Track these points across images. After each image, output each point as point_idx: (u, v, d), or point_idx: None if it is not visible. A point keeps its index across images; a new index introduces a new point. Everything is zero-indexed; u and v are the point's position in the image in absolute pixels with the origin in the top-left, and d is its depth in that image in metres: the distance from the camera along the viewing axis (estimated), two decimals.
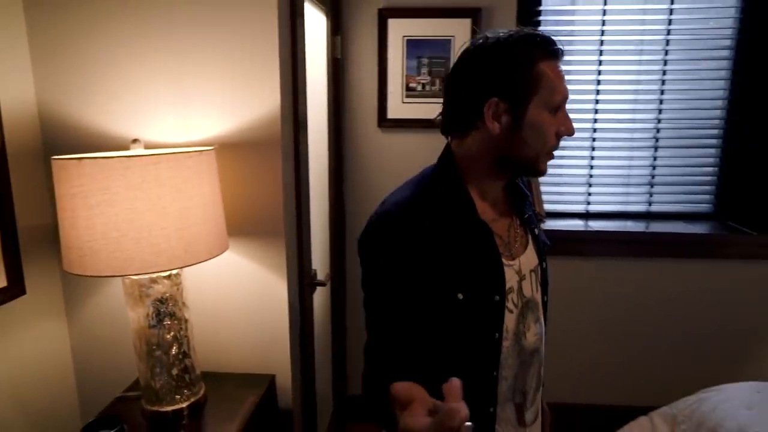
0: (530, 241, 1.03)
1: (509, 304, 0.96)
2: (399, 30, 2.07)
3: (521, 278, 0.99)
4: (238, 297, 1.42)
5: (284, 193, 1.40)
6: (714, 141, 2.37)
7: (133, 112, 1.33)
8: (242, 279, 1.41)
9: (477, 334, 0.94)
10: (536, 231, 1.05)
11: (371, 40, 2.09)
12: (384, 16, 2.06)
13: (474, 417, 0.82)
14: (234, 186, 1.37)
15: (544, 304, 1.07)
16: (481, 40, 0.91)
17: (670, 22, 2.27)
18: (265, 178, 1.37)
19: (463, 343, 0.93)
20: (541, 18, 2.24)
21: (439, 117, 1.02)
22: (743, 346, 2.28)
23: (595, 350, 2.32)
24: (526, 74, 0.87)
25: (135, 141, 1.25)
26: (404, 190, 0.99)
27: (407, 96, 2.11)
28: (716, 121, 2.35)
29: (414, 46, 2.08)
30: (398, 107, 2.12)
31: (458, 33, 2.05)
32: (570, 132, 0.93)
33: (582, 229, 2.27)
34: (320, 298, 2.04)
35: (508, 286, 0.96)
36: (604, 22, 2.28)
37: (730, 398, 1.62)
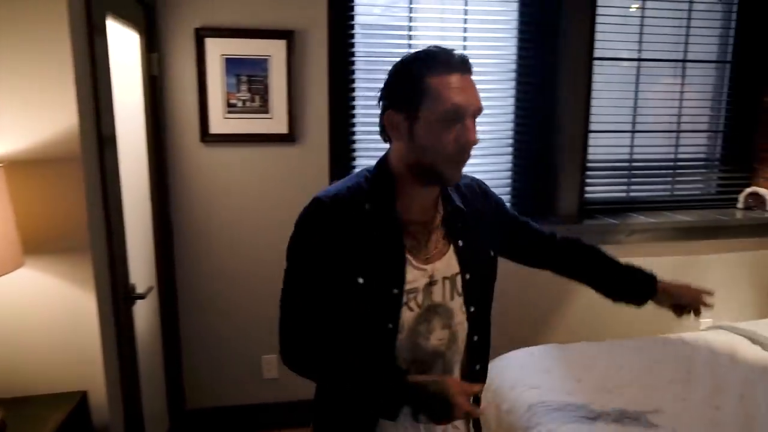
0: (451, 251, 1.08)
1: (411, 303, 1.04)
2: (217, 49, 2.15)
3: (431, 282, 1.06)
4: (41, 315, 1.40)
5: (89, 208, 1.41)
6: (509, 149, 2.78)
7: None
8: (45, 296, 1.39)
9: (373, 321, 1.03)
10: (460, 243, 1.09)
11: (189, 58, 2.15)
12: (201, 35, 2.12)
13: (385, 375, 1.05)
14: (32, 203, 1.35)
15: (470, 314, 1.10)
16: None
17: (464, 48, 2.63)
18: (66, 195, 1.38)
19: (361, 326, 1.04)
20: (354, 40, 2.47)
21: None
22: (535, 317, 2.70)
23: None
24: (413, 88, 0.97)
25: None
26: (343, 182, 1.08)
27: (228, 112, 2.20)
28: (509, 133, 2.77)
29: (233, 64, 2.17)
30: (220, 123, 2.20)
31: (274, 53, 2.19)
32: (468, 141, 0.98)
33: None
34: (148, 311, 2.03)
35: (411, 285, 1.04)
36: (410, 46, 2.57)
37: (510, 363, 1.94)
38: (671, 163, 3.03)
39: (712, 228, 2.85)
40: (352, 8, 2.44)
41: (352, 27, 2.46)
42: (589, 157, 2.85)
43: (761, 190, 2.96)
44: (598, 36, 2.73)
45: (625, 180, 2.97)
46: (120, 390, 1.60)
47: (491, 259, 1.15)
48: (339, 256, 1.01)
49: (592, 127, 2.82)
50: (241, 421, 2.50)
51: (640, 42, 2.84)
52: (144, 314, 1.98)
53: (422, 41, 2.64)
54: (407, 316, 1.04)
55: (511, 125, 2.75)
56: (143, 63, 2.01)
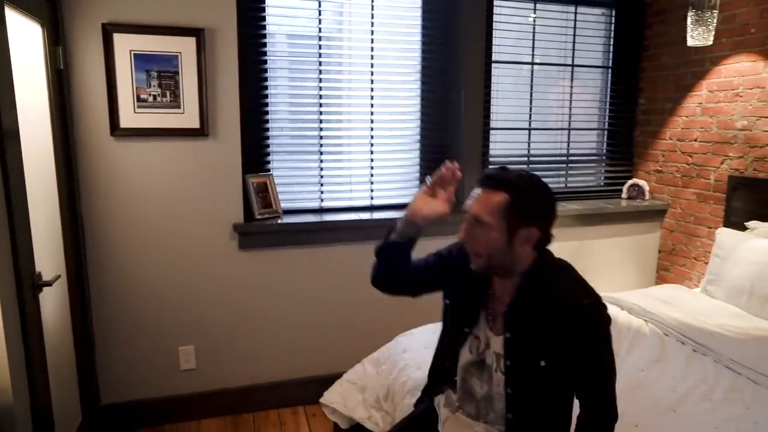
0: (502, 337, 1.29)
1: (471, 346, 1.37)
2: (125, 44, 2.18)
3: (488, 345, 1.33)
4: None
5: None
6: (417, 145, 2.96)
7: None
8: None
9: (448, 333, 1.46)
10: (508, 335, 1.28)
11: (97, 53, 2.16)
12: (108, 30, 2.15)
13: (441, 368, 1.49)
14: None
15: (507, 394, 1.28)
16: None
17: (372, 50, 2.80)
18: None
19: (446, 324, 1.48)
20: (266, 40, 2.57)
21: None
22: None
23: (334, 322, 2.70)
24: None
25: None
26: None
27: (139, 107, 2.23)
28: (417, 130, 2.95)
29: (142, 60, 2.21)
30: (131, 117, 2.23)
31: (184, 50, 2.25)
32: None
33: (317, 219, 2.66)
34: (57, 303, 2.03)
35: (476, 333, 1.36)
36: (320, 47, 2.71)
37: (415, 340, 2.10)
38: (564, 158, 3.34)
39: (601, 215, 3.17)
40: (263, 9, 2.54)
41: (263, 27, 2.56)
42: (491, 152, 3.10)
43: (640, 182, 3.32)
44: (495, 41, 2.99)
45: None
46: (26, 379, 1.61)
47: (541, 368, 1.23)
48: (449, 274, 1.42)
49: (493, 124, 3.07)
50: (159, 414, 2.52)
51: (533, 47, 3.13)
52: (52, 306, 1.98)
53: (333, 42, 2.79)
54: (464, 352, 1.39)
55: (417, 123, 2.95)
56: (48, 56, 2.02)
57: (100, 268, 2.33)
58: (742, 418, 1.51)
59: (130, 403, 2.47)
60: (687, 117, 3.04)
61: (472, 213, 1.25)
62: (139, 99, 2.24)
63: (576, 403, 1.30)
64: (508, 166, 1.29)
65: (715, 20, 2.49)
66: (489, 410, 1.34)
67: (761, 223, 2.52)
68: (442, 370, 1.48)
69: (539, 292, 1.25)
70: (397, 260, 1.41)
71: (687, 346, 1.95)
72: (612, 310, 2.28)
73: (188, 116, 2.30)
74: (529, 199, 1.22)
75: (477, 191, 1.26)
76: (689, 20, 2.53)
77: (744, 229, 2.59)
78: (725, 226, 2.72)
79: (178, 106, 2.28)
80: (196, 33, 2.25)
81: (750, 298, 2.23)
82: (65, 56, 2.12)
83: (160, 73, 2.24)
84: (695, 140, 3.00)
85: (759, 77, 2.63)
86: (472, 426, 1.38)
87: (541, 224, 1.24)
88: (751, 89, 2.67)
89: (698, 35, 2.53)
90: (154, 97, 2.25)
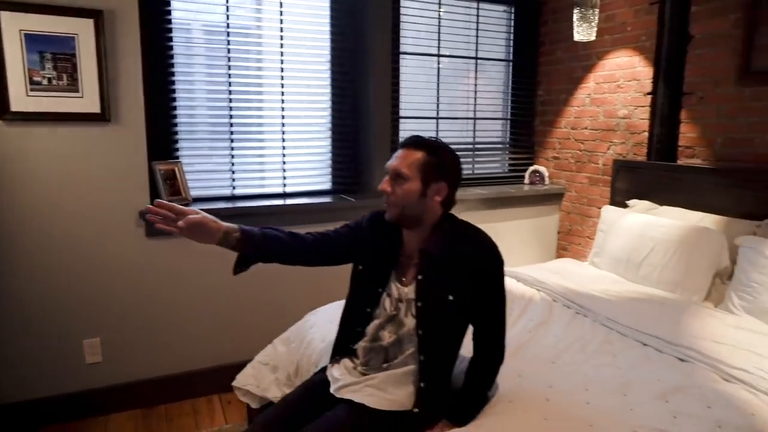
0: (415, 282, 1.44)
1: (386, 303, 1.50)
2: (15, 24, 2.08)
3: (400, 299, 1.47)
4: None
5: None
6: (329, 133, 3.03)
7: None
8: None
9: (359, 297, 1.56)
10: (419, 277, 1.42)
11: None
12: None
13: (352, 333, 1.58)
14: None
15: (419, 336, 1.42)
16: None
17: (282, 38, 2.83)
18: None
19: (356, 290, 1.58)
20: (171, 26, 2.54)
21: None
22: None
23: (228, 310, 2.72)
24: None
25: None
26: None
27: (32, 90, 2.14)
28: (328, 118, 3.02)
29: (34, 40, 2.12)
30: (23, 100, 2.13)
31: (82, 32, 2.18)
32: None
33: (230, 206, 2.66)
34: None
35: (388, 292, 1.50)
36: (228, 34, 2.71)
37: (321, 316, 2.16)
38: (471, 146, 3.53)
39: (505, 199, 3.38)
40: None
41: (168, 13, 2.53)
42: (400, 140, 3.20)
43: (540, 168, 3.58)
44: (402, 33, 3.11)
45: None
46: None
47: (449, 302, 1.40)
48: (360, 243, 1.54)
49: (402, 113, 3.20)
50: (65, 412, 2.42)
51: (439, 40, 3.28)
52: None
53: (242, 30, 2.80)
54: (378, 311, 1.52)
55: (329, 111, 3.01)
56: None
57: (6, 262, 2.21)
58: (609, 365, 1.70)
59: (32, 402, 2.36)
60: (578, 107, 3.31)
61: (392, 167, 1.43)
62: (32, 81, 2.14)
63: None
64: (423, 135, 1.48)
65: (596, 18, 2.75)
66: (397, 353, 1.49)
67: (639, 201, 2.80)
68: (352, 335, 1.57)
69: (448, 237, 1.44)
70: (270, 254, 1.52)
71: (571, 310, 2.16)
72: (508, 282, 2.46)
73: (88, 101, 2.23)
74: (442, 158, 1.42)
75: (399, 151, 1.44)
76: (575, 17, 2.77)
77: (626, 206, 2.87)
78: (611, 205, 3.00)
79: (77, 90, 2.21)
80: (95, 14, 2.19)
81: (627, 265, 2.49)
82: None
83: (55, 55, 2.16)
84: (586, 128, 3.27)
85: (635, 70, 2.92)
86: (370, 378, 1.47)
87: (450, 180, 1.44)
88: (629, 81, 2.96)
89: (582, 31, 2.77)
90: (49, 80, 2.17)
